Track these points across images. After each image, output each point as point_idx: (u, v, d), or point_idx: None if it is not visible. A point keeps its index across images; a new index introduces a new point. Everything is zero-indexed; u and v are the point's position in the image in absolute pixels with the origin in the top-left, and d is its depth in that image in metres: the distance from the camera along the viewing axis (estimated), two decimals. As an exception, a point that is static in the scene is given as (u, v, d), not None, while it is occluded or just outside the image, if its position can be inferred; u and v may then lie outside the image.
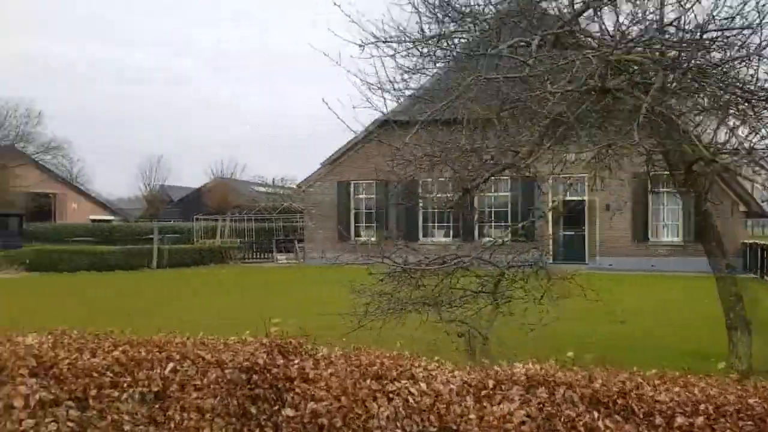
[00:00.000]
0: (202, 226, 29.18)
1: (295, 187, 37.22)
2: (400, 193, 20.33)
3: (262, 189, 41.27)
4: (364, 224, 22.64)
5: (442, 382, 2.63)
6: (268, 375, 2.87)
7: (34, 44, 79.01)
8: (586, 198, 19.25)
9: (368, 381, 2.73)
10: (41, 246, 22.72)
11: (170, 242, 25.37)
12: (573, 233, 20.24)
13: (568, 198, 19.45)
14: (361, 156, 22.67)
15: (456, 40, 4.55)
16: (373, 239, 22.12)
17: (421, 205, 20.80)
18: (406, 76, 5.56)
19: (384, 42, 4.41)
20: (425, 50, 4.84)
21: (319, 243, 22.97)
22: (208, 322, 9.08)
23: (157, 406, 2.92)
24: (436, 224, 21.11)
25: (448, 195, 4.84)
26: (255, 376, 2.87)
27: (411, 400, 2.59)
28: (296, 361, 2.93)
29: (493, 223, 20.68)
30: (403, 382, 2.66)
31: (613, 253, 19.65)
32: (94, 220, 36.67)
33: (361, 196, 22.70)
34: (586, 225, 20.11)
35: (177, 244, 25.55)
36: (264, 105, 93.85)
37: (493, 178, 5.78)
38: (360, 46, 4.71)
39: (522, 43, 3.71)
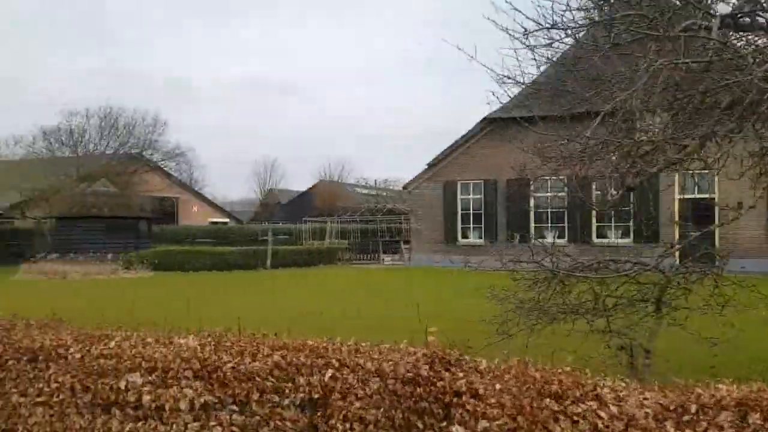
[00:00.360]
0: (309, 228, 29.98)
1: (398, 188, 37.50)
2: (513, 193, 19.78)
3: (365, 191, 41.86)
4: (472, 226, 22.22)
5: (636, 405, 2.35)
6: (432, 388, 2.71)
7: (159, 64, 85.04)
8: (716, 195, 17.73)
9: (546, 400, 2.50)
10: (168, 247, 24.23)
11: (280, 243, 26.26)
12: (700, 233, 18.71)
13: (695, 196, 18.01)
14: (469, 155, 22.30)
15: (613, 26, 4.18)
16: (480, 241, 21.68)
17: (532, 204, 20.11)
18: (541, 67, 5.25)
19: (536, 30, 4.13)
20: (581, 35, 4.48)
21: (425, 244, 22.84)
22: (348, 323, 9.09)
23: (318, 414, 2.86)
24: (549, 225, 20.29)
25: (612, 193, 4.44)
26: (419, 389, 2.73)
27: (600, 425, 2.33)
28: (461, 375, 2.75)
29: (613, 224, 19.59)
30: (588, 403, 2.41)
31: (747, 254, 17.94)
32: (211, 223, 38.84)
33: (467, 197, 22.30)
34: (715, 224, 18.53)
35: (286, 245, 26.41)
36: (369, 105, 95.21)
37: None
38: (520, 33, 4.38)
39: (695, 26, 3.31)
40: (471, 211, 22.16)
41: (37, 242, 24.68)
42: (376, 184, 43.41)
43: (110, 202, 26.10)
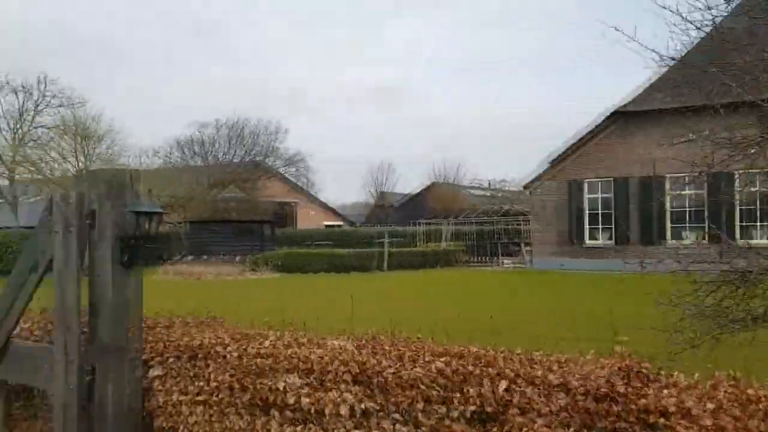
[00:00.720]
0: (423, 230, 29.89)
1: (512, 188, 36.43)
2: (645, 191, 18.45)
3: (479, 192, 41.18)
4: (601, 226, 20.98)
5: None
6: (633, 406, 2.33)
7: (275, 72, 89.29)
8: None
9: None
10: (290, 249, 25.14)
11: (394, 246, 26.35)
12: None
13: None
14: (596, 152, 21.09)
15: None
16: (609, 243, 20.41)
17: (669, 203, 18.57)
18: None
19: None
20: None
21: (546, 246, 21.90)
22: (490, 328, 8.50)
23: (493, 429, 2.58)
24: (687, 225, 18.67)
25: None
26: (616, 407, 2.36)
27: None
28: (667, 392, 2.35)
29: (758, 223, 17.67)
30: None
31: None
32: (327, 226, 40.01)
33: (595, 195, 21.09)
34: None
35: (400, 248, 26.46)
36: (480, 105, 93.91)
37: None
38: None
39: None
40: (599, 211, 20.93)
41: (173, 245, 26.54)
42: (489, 185, 42.59)
43: (238, 207, 27.59)
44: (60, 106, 31.20)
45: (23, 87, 31.51)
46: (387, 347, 3.11)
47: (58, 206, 3.45)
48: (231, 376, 3.30)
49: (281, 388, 3.09)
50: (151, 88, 79.90)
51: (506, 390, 2.62)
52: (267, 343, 3.42)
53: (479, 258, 26.01)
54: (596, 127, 21.02)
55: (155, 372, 3.53)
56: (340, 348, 3.19)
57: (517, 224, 26.59)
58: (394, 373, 2.83)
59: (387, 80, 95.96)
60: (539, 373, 2.65)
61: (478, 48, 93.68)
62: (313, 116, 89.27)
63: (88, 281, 3.46)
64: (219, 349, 3.42)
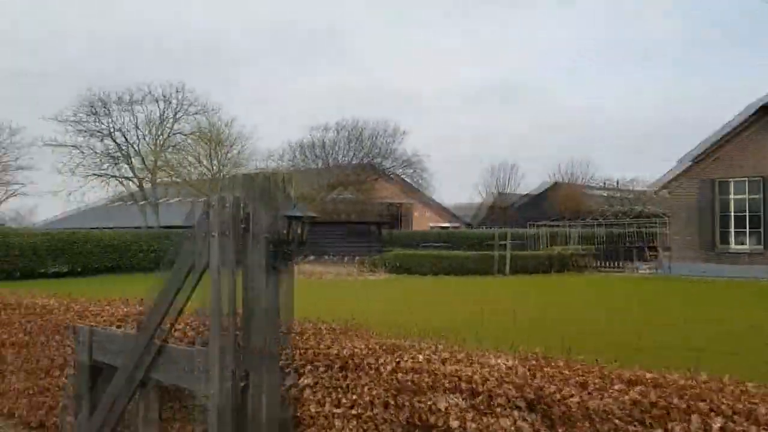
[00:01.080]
0: (545, 232, 28.71)
1: (643, 188, 34.09)
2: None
3: (603, 192, 38.98)
4: (747, 229, 18.96)
5: None
6: None
7: (387, 75, 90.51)
8: None
9: None
10: (401, 251, 25.12)
11: (512, 248, 25.48)
12: None
13: None
14: (741, 149, 19.10)
15: None
16: (759, 248, 18.38)
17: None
18: None
19: None
20: None
21: (686, 251, 20.13)
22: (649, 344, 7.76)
23: (710, 479, 2.15)
24: None
25: None
26: None
27: None
28: None
29: None
30: None
31: None
32: (440, 227, 39.71)
33: (741, 196, 19.09)
34: None
35: (518, 250, 25.56)
36: (607, 100, 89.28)
37: None
38: None
39: None
40: (746, 213, 18.92)
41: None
42: (618, 184, 40.13)
43: (353, 208, 28.13)
44: (196, 113, 33.48)
45: (163, 96, 34.20)
46: (566, 371, 2.75)
47: (215, 210, 3.44)
48: (385, 390, 3.10)
49: (443, 409, 2.84)
50: (274, 94, 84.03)
51: (721, 429, 2.19)
52: (421, 357, 3.19)
53: (610, 263, 24.38)
54: (743, 121, 19.01)
55: (306, 381, 3.42)
56: (507, 368, 2.88)
57: (651, 227, 24.71)
58: (579, 402, 2.48)
59: (505, 78, 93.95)
60: (764, 410, 2.19)
61: (602, 42, 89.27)
62: (428, 116, 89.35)
63: (242, 285, 3.43)
64: (371, 360, 3.24)
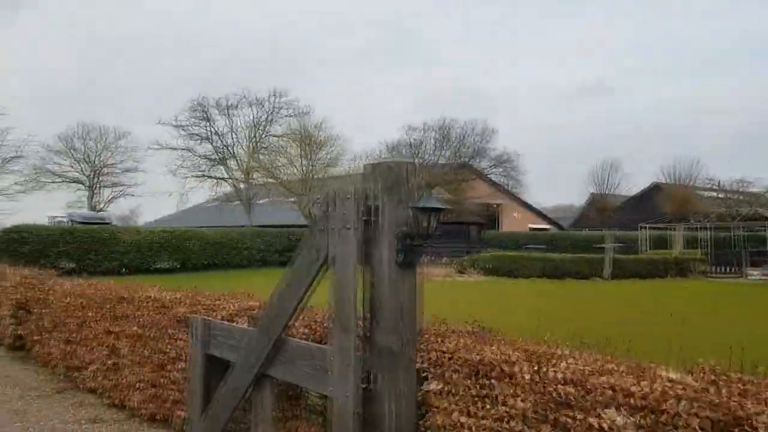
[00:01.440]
0: (648, 235, 27.09)
1: (755, 189, 31.48)
2: None
3: (713, 193, 36.27)
4: None
5: None
6: None
7: (474, 74, 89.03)
8: None
9: None
10: (498, 252, 24.47)
11: (616, 251, 24.20)
12: None
13: None
14: None
15: None
16: None
17: None
18: None
19: None
20: None
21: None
22: None
23: None
24: None
25: None
26: None
27: None
28: None
29: None
30: None
31: None
32: (531, 229, 38.45)
33: None
34: None
35: (622, 254, 24.22)
36: (711, 99, 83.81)
37: None
38: None
39: None
40: None
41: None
42: (723, 186, 37.24)
43: (448, 209, 27.73)
44: (288, 116, 34.44)
45: (257, 100, 35.39)
46: (749, 387, 2.34)
47: (336, 203, 3.27)
48: (523, 401, 2.80)
49: (596, 425, 2.50)
50: (365, 95, 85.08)
51: None
52: (563, 365, 2.86)
53: (721, 268, 22.57)
54: None
55: (432, 386, 3.17)
56: (671, 381, 2.50)
57: (760, 230, 22.67)
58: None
59: (600, 76, 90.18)
60: None
61: (702, 39, 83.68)
62: (519, 116, 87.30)
63: (363, 282, 3.23)
64: (506, 367, 2.94)
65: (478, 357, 3.07)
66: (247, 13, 79.22)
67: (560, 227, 40.91)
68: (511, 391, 2.85)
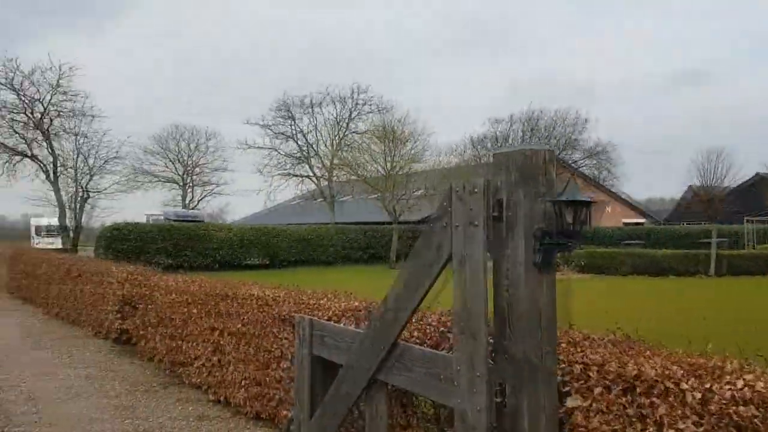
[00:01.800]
0: (754, 229, 25.05)
1: None
2: None
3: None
4: None
5: None
6: None
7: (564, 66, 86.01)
8: None
9: None
10: (592, 249, 23.36)
11: (722, 247, 22.50)
12: None
13: None
14: None
15: None
16: None
17: None
18: None
19: None
20: None
21: None
22: None
23: None
24: None
25: None
26: None
27: None
28: None
29: None
30: None
31: None
32: (625, 223, 36.54)
33: None
34: None
35: (726, 249, 22.49)
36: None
37: None
38: None
39: None
40: None
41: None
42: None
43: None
44: (370, 112, 34.52)
45: (340, 97, 35.70)
46: None
47: (460, 197, 2.96)
48: (695, 425, 2.39)
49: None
50: (450, 88, 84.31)
51: None
52: (739, 382, 2.42)
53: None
54: None
55: (575, 402, 2.81)
56: None
57: None
58: None
59: (696, 67, 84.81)
60: None
61: None
62: (611, 106, 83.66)
63: (494, 284, 2.91)
64: (671, 384, 2.54)
65: (632, 372, 2.68)
66: (328, 9, 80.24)
67: (656, 221, 38.62)
68: (680, 412, 2.45)
